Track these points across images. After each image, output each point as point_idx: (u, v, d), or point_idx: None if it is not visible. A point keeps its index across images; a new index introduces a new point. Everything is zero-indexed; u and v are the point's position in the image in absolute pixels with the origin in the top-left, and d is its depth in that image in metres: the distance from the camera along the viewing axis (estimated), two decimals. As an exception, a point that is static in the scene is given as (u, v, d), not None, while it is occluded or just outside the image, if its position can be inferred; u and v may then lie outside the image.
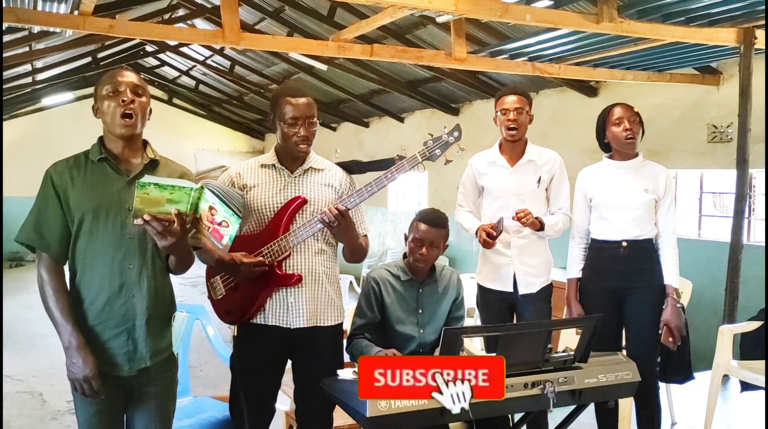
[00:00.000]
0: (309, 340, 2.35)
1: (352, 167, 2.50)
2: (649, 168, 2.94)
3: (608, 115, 2.93)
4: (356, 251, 2.44)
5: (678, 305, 2.81)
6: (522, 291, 2.95)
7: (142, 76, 2.07)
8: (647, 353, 2.83)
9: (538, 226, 2.85)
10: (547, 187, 3.01)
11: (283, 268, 2.32)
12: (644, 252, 2.88)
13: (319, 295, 2.37)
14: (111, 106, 1.94)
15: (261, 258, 2.28)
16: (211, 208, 1.85)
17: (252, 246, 2.30)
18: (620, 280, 2.87)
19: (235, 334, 2.39)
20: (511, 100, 2.93)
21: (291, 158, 2.40)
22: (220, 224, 1.87)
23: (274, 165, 2.40)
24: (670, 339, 2.78)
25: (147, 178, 1.76)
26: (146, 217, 1.77)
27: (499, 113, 2.96)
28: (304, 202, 2.34)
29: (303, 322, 2.32)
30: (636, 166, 2.92)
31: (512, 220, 2.85)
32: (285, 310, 2.32)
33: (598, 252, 2.94)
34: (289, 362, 2.47)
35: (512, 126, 2.91)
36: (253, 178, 2.40)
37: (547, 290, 3.03)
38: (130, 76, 1.98)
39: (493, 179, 3.01)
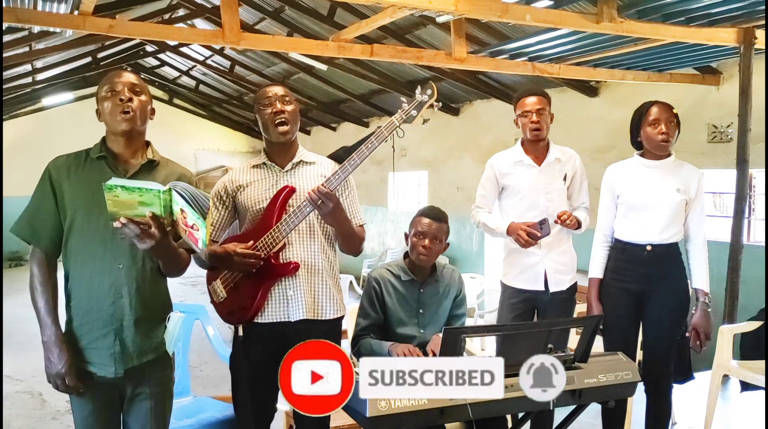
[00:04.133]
0: (308, 334, 2.33)
1: (341, 155, 2.48)
2: (681, 168, 2.87)
3: (645, 113, 2.83)
4: (348, 239, 2.40)
5: (707, 309, 2.79)
6: (552, 289, 2.96)
7: (141, 76, 2.08)
8: (664, 355, 2.82)
9: (577, 225, 2.89)
10: (569, 185, 3.03)
11: (280, 259, 2.29)
12: (668, 256, 2.84)
13: (318, 287, 2.35)
14: (110, 106, 1.95)
15: (255, 250, 2.25)
16: (182, 210, 1.81)
17: (248, 243, 2.29)
18: (642, 282, 2.83)
19: (240, 333, 2.35)
20: (531, 102, 2.94)
21: (279, 151, 2.40)
22: (192, 227, 1.82)
23: (264, 163, 2.41)
24: (698, 342, 2.77)
25: (113, 181, 1.74)
26: (122, 220, 1.76)
27: (520, 115, 2.97)
28: (293, 190, 2.31)
29: (302, 314, 2.30)
30: (669, 165, 2.85)
31: (553, 223, 2.86)
32: (285, 304, 2.30)
33: (621, 252, 2.89)
34: None
35: (536, 127, 2.92)
36: (246, 177, 2.40)
37: (574, 287, 3.05)
38: (126, 76, 2.00)
39: (520, 178, 3.00)
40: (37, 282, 1.95)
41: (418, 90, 2.35)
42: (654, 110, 2.81)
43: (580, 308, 3.29)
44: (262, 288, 2.29)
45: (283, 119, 2.32)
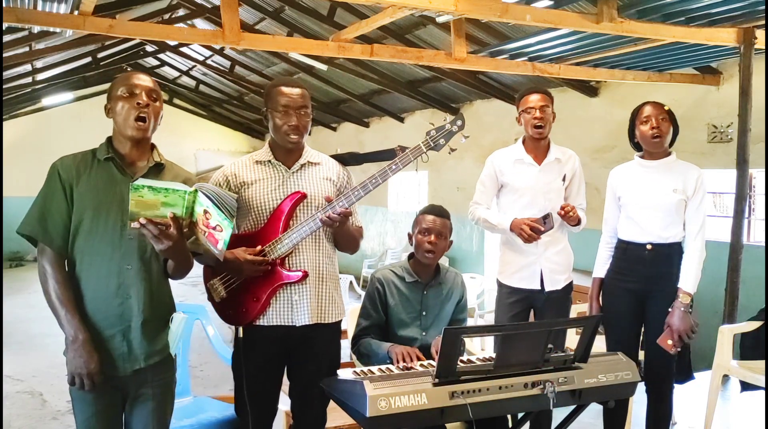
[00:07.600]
0: (310, 337, 2.35)
1: (347, 159, 2.49)
2: (680, 167, 2.88)
3: (638, 113, 2.90)
4: (352, 243, 2.46)
5: (684, 310, 2.74)
6: (548, 288, 2.98)
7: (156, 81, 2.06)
8: (665, 356, 2.81)
9: (576, 221, 2.90)
10: (568, 185, 3.04)
11: (287, 265, 2.30)
12: (669, 256, 2.84)
13: (322, 293, 2.36)
14: (125, 108, 1.95)
15: (263, 256, 2.25)
16: (205, 211, 1.83)
17: (252, 244, 2.27)
18: (643, 282, 2.85)
19: (240, 335, 2.35)
20: (535, 98, 2.97)
21: (285, 152, 2.38)
22: (214, 229, 1.84)
23: (270, 161, 2.38)
24: (669, 342, 2.74)
25: (141, 181, 1.75)
26: (142, 220, 1.77)
27: (523, 112, 2.98)
28: (304, 196, 2.31)
29: (307, 319, 2.31)
30: (667, 165, 2.87)
31: (555, 216, 2.86)
32: (289, 308, 2.30)
33: (624, 252, 2.92)
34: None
35: (539, 124, 2.94)
36: (250, 175, 2.36)
37: (570, 286, 3.07)
38: (146, 80, 2.00)
39: (520, 177, 3.02)
40: (53, 281, 1.92)
41: (448, 118, 2.37)
42: (646, 109, 2.87)
43: (581, 308, 3.29)
44: (268, 292, 2.28)
45: (298, 132, 2.31)
